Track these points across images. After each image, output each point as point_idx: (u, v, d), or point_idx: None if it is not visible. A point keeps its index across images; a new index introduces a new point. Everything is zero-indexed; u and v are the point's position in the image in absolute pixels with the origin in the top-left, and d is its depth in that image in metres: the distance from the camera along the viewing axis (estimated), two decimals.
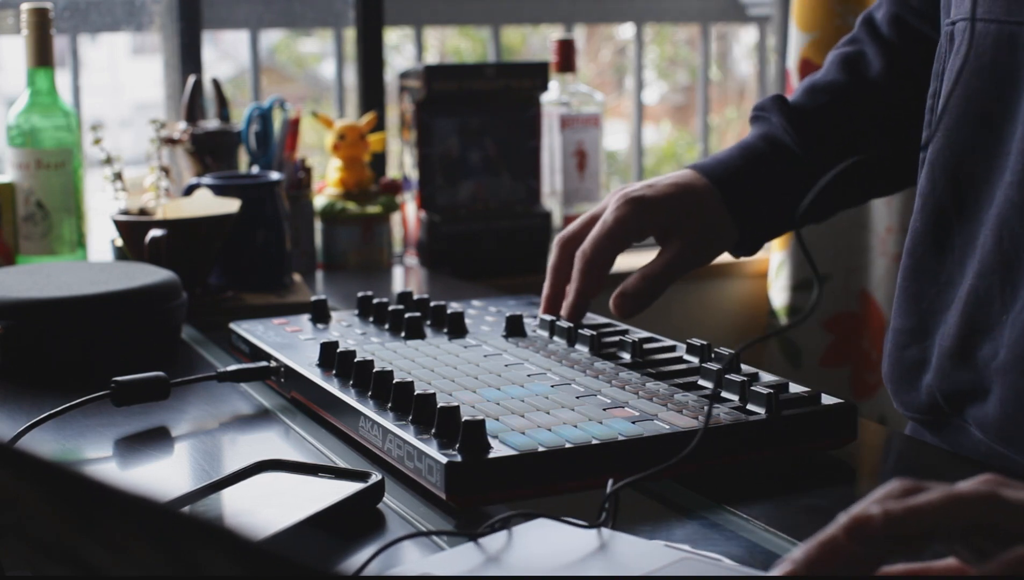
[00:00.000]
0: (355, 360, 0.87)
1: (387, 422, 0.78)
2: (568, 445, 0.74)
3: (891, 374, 0.95)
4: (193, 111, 1.54)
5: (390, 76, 2.03)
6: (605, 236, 0.99)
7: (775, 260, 2.01)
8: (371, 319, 1.07)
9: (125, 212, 1.31)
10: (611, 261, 1.00)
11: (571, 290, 1.01)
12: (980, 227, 0.87)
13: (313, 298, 1.09)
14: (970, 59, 0.88)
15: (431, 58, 3.80)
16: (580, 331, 0.97)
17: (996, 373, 0.84)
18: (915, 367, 0.92)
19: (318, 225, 1.60)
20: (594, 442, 0.74)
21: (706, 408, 0.81)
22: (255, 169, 1.51)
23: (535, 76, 1.75)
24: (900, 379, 0.94)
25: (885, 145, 1.05)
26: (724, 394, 0.84)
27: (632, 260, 1.14)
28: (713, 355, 0.91)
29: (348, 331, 1.04)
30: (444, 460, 0.71)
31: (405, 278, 1.61)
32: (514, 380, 0.88)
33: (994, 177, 0.86)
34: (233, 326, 1.07)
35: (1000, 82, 0.86)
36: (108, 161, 1.42)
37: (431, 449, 0.73)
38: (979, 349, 0.86)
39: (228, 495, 0.73)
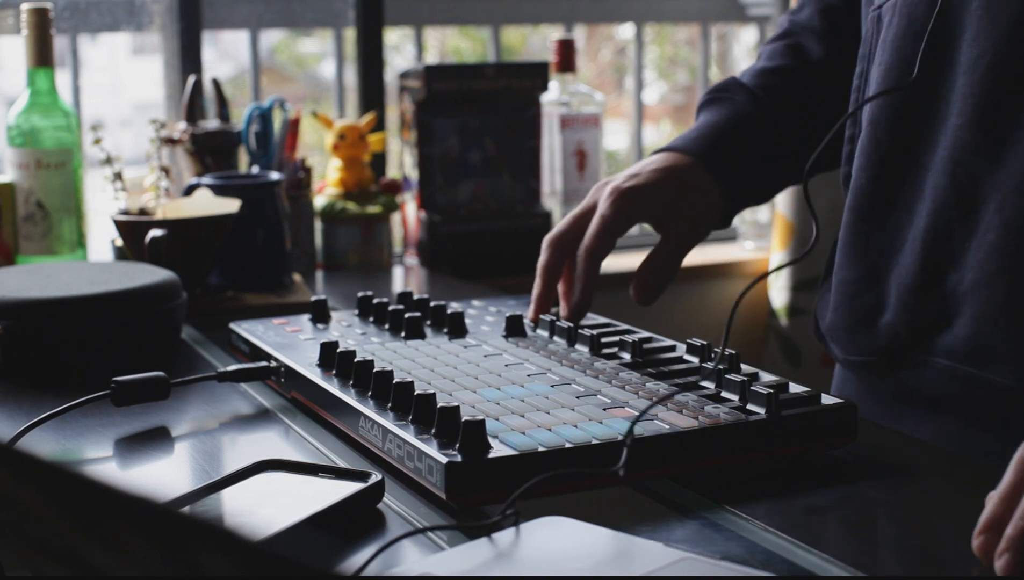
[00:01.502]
0: (355, 360, 0.87)
1: (387, 422, 0.78)
2: (568, 445, 0.74)
3: (841, 324, 0.98)
4: (193, 111, 1.54)
5: (390, 76, 2.03)
6: (606, 231, 1.00)
7: (775, 260, 2.01)
8: (371, 319, 1.07)
9: (125, 212, 1.31)
10: (607, 255, 1.01)
11: (576, 288, 1.01)
12: (927, 172, 0.91)
13: (313, 298, 1.09)
14: (904, 26, 0.92)
15: (431, 58, 3.80)
16: (580, 331, 0.97)
17: (965, 296, 0.88)
18: (870, 311, 0.96)
19: (318, 225, 1.60)
20: (594, 442, 0.74)
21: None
22: (255, 169, 1.51)
23: (535, 76, 1.75)
24: (852, 327, 0.97)
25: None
26: (724, 394, 0.84)
27: (630, 261, 1.14)
28: (713, 355, 0.91)
29: (348, 331, 1.04)
30: (444, 460, 0.71)
31: (405, 278, 1.61)
32: (514, 380, 0.88)
33: (938, 125, 0.90)
34: (233, 326, 1.07)
35: (936, 42, 0.90)
36: (108, 161, 1.42)
37: (431, 449, 0.73)
38: (944, 279, 0.90)
39: (228, 495, 0.73)
